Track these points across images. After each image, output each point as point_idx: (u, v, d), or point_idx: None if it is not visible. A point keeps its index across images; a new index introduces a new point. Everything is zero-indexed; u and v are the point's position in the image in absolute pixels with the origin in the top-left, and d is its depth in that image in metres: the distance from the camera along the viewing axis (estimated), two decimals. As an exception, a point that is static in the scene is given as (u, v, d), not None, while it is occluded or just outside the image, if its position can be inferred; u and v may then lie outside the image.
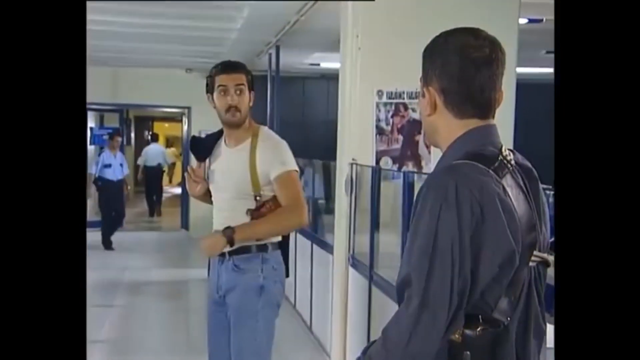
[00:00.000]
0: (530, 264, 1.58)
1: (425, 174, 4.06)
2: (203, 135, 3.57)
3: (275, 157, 3.16)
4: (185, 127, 12.82)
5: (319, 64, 10.27)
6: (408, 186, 3.90)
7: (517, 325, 1.58)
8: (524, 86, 5.06)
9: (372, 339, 1.68)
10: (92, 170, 10.15)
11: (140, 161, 15.03)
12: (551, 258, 1.61)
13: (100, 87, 10.25)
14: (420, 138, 4.63)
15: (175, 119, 17.81)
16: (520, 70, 4.88)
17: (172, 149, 20.20)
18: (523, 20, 5.77)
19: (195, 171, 3.29)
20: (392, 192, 4.44)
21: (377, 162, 4.65)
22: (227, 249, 3.13)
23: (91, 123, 12.58)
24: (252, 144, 3.18)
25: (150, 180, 14.91)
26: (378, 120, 4.66)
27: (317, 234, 6.14)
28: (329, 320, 5.12)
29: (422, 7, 4.64)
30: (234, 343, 3.18)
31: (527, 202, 1.59)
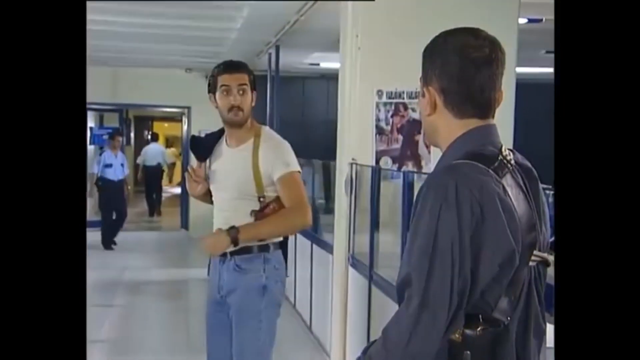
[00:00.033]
0: (530, 263, 1.58)
1: (425, 173, 4.06)
2: (203, 135, 3.56)
3: (278, 157, 3.15)
4: (185, 127, 12.82)
5: (318, 64, 10.27)
6: (408, 186, 3.90)
7: (517, 324, 1.58)
8: (524, 86, 5.06)
9: (371, 339, 1.68)
10: (95, 170, 10.15)
11: (139, 160, 15.04)
12: (551, 258, 1.62)
13: (100, 87, 10.24)
14: (420, 138, 4.63)
15: (175, 118, 17.80)
16: (520, 70, 4.88)
17: (172, 149, 20.19)
18: (523, 20, 5.76)
19: (195, 171, 3.28)
20: (391, 192, 4.44)
21: (377, 162, 4.65)
22: (230, 248, 3.12)
23: (91, 123, 12.58)
24: (254, 144, 3.17)
25: (149, 180, 14.92)
26: (378, 120, 4.66)
27: (316, 233, 6.14)
28: (328, 320, 5.12)
29: (422, 7, 4.64)
30: (235, 343, 3.18)
31: (527, 202, 1.59)
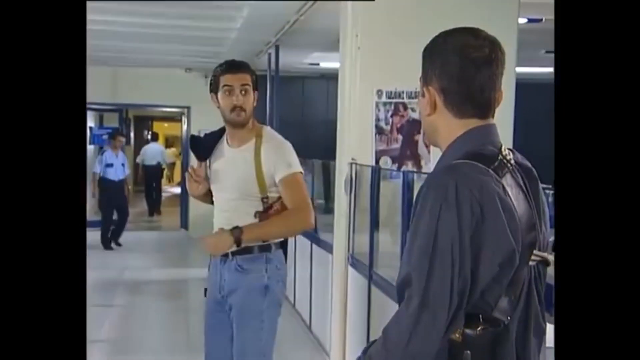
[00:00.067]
0: (530, 263, 1.58)
1: (424, 173, 4.06)
2: (202, 135, 3.56)
3: (280, 158, 3.15)
4: (184, 127, 12.82)
5: (318, 64, 10.27)
6: (407, 186, 3.90)
7: (517, 324, 1.58)
8: (524, 86, 5.06)
9: (371, 339, 1.68)
10: (97, 169, 10.14)
11: (138, 159, 15.07)
12: (551, 257, 1.62)
13: (100, 86, 10.24)
14: (419, 138, 4.63)
15: (174, 118, 17.80)
16: (519, 69, 4.88)
17: (172, 149, 20.21)
18: (522, 20, 5.77)
19: (196, 171, 3.28)
20: (391, 191, 4.44)
21: (377, 161, 4.65)
22: (232, 248, 3.12)
23: (90, 123, 12.56)
24: (256, 145, 3.17)
25: (149, 180, 14.93)
26: (377, 119, 4.66)
27: (316, 233, 6.14)
28: (328, 319, 5.12)
29: (421, 7, 4.64)
30: (237, 343, 3.18)
31: (527, 202, 1.59)
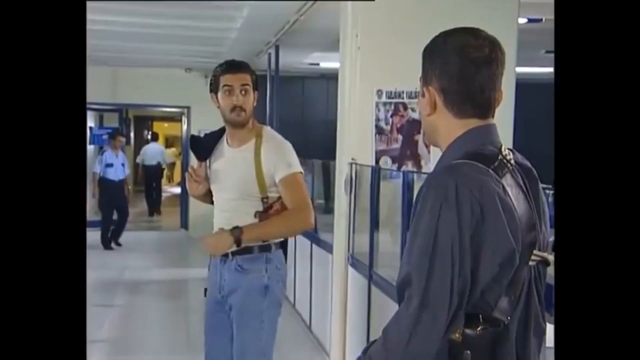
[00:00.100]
0: (530, 263, 1.58)
1: (424, 173, 4.06)
2: (202, 135, 3.55)
3: (280, 158, 3.15)
4: (184, 127, 12.82)
5: (318, 64, 10.27)
6: (407, 186, 3.90)
7: (517, 324, 1.59)
8: (524, 86, 5.06)
9: (371, 339, 1.68)
10: (97, 169, 10.14)
11: (138, 159, 15.08)
12: (551, 257, 1.62)
13: (100, 86, 10.24)
14: (419, 138, 4.63)
15: (174, 118, 17.81)
16: (519, 69, 4.88)
17: (172, 149, 20.21)
18: (522, 20, 5.77)
19: (196, 171, 3.27)
20: (391, 191, 4.44)
21: (377, 161, 4.65)
22: (232, 249, 3.12)
23: (90, 123, 12.56)
24: (256, 145, 3.17)
25: (149, 180, 14.93)
26: (377, 119, 4.66)
27: (316, 233, 6.14)
28: (328, 319, 5.12)
29: (421, 7, 4.64)
30: (237, 343, 3.18)
31: (527, 202, 1.59)
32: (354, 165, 4.68)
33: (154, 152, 14.85)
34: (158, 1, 6.44)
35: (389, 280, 3.92)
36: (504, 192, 1.53)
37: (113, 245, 10.34)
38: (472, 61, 1.59)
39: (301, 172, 3.20)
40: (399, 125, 4.68)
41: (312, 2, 6.00)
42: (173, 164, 19.58)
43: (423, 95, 1.68)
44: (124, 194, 10.42)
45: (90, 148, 12.07)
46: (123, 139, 10.88)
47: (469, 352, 1.52)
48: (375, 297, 4.24)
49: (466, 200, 1.48)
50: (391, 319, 1.56)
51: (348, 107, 4.74)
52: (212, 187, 3.30)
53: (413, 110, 4.62)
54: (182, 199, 12.41)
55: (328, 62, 9.59)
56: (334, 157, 5.05)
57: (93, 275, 6.03)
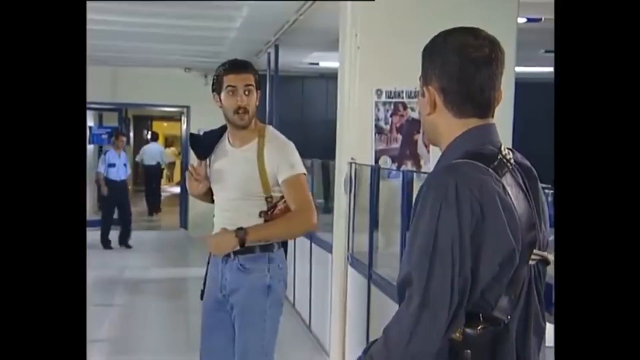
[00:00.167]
0: (530, 262, 1.58)
1: (424, 173, 4.06)
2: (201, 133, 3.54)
3: (283, 158, 3.14)
4: (184, 127, 12.82)
5: (318, 63, 10.28)
6: (407, 185, 3.90)
7: (517, 323, 1.59)
8: (523, 85, 5.06)
9: (371, 338, 1.69)
10: (101, 169, 10.13)
11: (138, 158, 15.09)
12: (551, 257, 1.62)
13: (100, 86, 10.23)
14: (419, 137, 4.63)
15: (174, 118, 17.81)
16: (519, 69, 4.89)
17: (172, 149, 20.21)
18: (522, 20, 5.77)
19: (196, 169, 3.27)
20: (391, 191, 4.44)
21: (376, 161, 4.65)
22: (235, 248, 3.12)
23: (90, 122, 12.56)
24: (259, 144, 3.16)
25: (149, 179, 14.94)
26: (377, 119, 4.66)
27: (316, 232, 6.14)
28: (328, 319, 5.13)
29: (421, 7, 4.64)
30: (239, 343, 3.17)
31: (526, 201, 1.59)
32: (353, 165, 4.68)
33: (153, 152, 14.85)
34: (158, 1, 6.44)
35: (388, 279, 3.92)
36: (504, 192, 1.54)
37: (123, 247, 10.30)
38: (472, 61, 1.59)
39: (304, 174, 3.19)
40: (398, 125, 4.68)
41: (311, 1, 6.00)
42: (173, 164, 19.58)
43: (423, 95, 1.68)
44: (126, 194, 10.41)
45: (89, 148, 12.06)
46: (124, 139, 10.87)
47: (469, 351, 1.52)
48: (374, 297, 4.24)
49: (466, 200, 1.49)
50: (392, 319, 1.56)
51: (347, 107, 4.74)
52: (214, 187, 3.29)
53: (412, 109, 4.62)
54: (182, 199, 12.41)
55: (327, 62, 9.60)
56: (333, 157, 5.05)
57: (93, 274, 6.03)
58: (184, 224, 12.20)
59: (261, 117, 3.51)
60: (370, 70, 4.65)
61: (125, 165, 10.31)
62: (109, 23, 7.17)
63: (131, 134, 17.96)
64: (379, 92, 4.65)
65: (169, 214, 14.16)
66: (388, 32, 4.65)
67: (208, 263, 3.31)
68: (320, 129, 10.24)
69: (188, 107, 11.88)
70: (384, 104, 4.66)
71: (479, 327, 1.53)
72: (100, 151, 12.04)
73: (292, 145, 3.22)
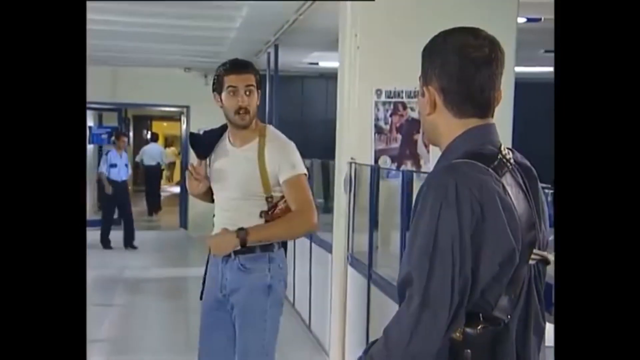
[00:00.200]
0: (530, 262, 1.58)
1: (424, 173, 4.06)
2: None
3: (284, 158, 3.14)
4: (184, 126, 12.82)
5: (317, 63, 10.28)
6: (407, 185, 3.90)
7: (517, 323, 1.59)
8: (523, 85, 5.06)
9: (371, 338, 1.69)
10: (103, 169, 10.12)
11: (137, 158, 15.08)
12: (551, 256, 1.62)
13: (100, 86, 10.23)
14: (419, 137, 4.63)
15: (173, 118, 17.81)
16: (518, 69, 4.89)
17: (172, 148, 20.22)
18: (522, 20, 5.77)
19: (196, 169, 3.26)
20: (390, 191, 4.44)
21: (376, 161, 4.65)
22: (236, 249, 3.12)
23: (90, 122, 12.56)
24: (259, 144, 3.15)
25: (149, 179, 14.94)
26: (377, 119, 4.67)
27: (315, 232, 6.14)
28: (327, 319, 5.13)
29: (421, 7, 4.64)
30: (240, 343, 3.17)
31: (526, 201, 1.59)
32: (353, 165, 4.68)
33: (153, 153, 14.86)
34: (158, 1, 6.44)
35: (388, 279, 3.92)
36: (504, 191, 1.54)
37: (129, 248, 10.29)
38: (471, 61, 1.59)
39: (305, 174, 3.19)
40: (398, 125, 4.68)
41: (311, 1, 6.00)
42: (173, 164, 19.59)
43: (423, 95, 1.68)
44: (127, 194, 10.41)
45: (89, 147, 12.06)
46: (125, 139, 10.86)
47: (469, 351, 1.52)
48: (374, 297, 4.24)
49: (466, 200, 1.49)
50: (392, 319, 1.56)
51: (347, 107, 4.74)
52: (214, 187, 3.29)
53: (412, 109, 4.62)
54: (182, 199, 12.41)
55: (327, 62, 9.60)
56: (333, 157, 5.05)
57: (93, 274, 6.04)
58: (184, 223, 12.20)
59: (261, 117, 3.51)
60: (370, 70, 4.65)
61: (126, 165, 10.31)
62: (109, 23, 7.17)
63: (131, 134, 17.97)
64: (378, 92, 4.65)
65: (169, 214, 14.16)
66: (388, 32, 4.65)
67: (207, 263, 3.31)
68: (320, 128, 10.24)
69: (188, 107, 11.88)
70: (384, 103, 4.66)
71: (479, 327, 1.53)
72: (100, 151, 12.04)
73: (293, 145, 3.22)
